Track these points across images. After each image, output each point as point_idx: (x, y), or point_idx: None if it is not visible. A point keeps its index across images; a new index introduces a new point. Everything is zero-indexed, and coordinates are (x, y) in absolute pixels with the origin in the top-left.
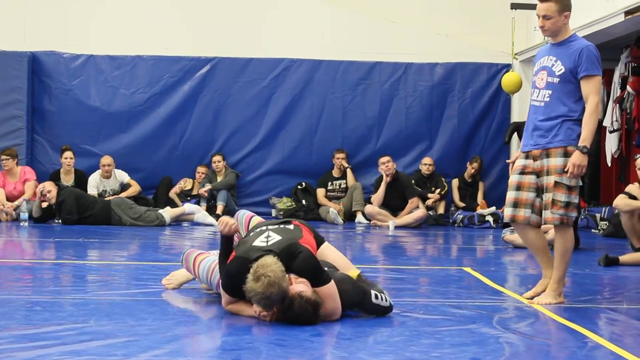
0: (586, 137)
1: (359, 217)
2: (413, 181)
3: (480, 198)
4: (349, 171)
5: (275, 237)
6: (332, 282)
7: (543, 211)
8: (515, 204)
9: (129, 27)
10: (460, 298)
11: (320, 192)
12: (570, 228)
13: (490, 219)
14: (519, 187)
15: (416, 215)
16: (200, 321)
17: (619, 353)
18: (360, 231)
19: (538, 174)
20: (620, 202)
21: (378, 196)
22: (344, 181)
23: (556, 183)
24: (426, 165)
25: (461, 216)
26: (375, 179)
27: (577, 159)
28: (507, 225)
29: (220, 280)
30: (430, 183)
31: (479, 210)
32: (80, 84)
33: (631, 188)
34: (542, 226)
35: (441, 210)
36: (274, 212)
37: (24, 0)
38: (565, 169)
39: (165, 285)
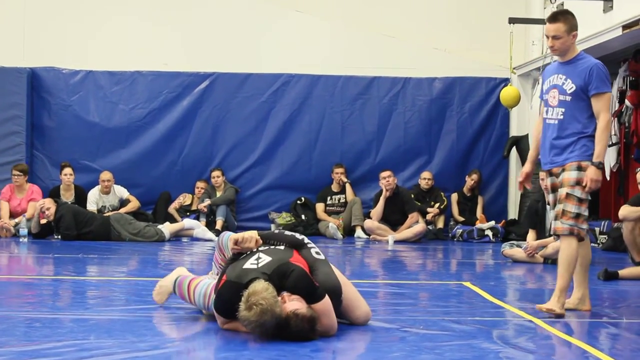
0: (600, 153)
1: (359, 232)
2: (412, 196)
3: (479, 212)
4: (348, 186)
5: (265, 259)
6: (327, 298)
7: (553, 221)
8: None
9: (128, 43)
10: (460, 313)
11: (320, 207)
12: (576, 239)
13: (489, 233)
14: (556, 205)
15: (415, 229)
16: (199, 337)
17: None
18: (359, 246)
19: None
20: (626, 210)
21: (377, 211)
22: (343, 196)
23: (568, 195)
24: (425, 179)
25: (460, 230)
26: (374, 194)
27: (593, 173)
28: (506, 239)
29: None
30: (429, 197)
31: (478, 225)
32: (79, 99)
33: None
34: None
35: (440, 224)
36: (273, 227)
37: (24, 16)
38: (583, 184)
39: (155, 300)
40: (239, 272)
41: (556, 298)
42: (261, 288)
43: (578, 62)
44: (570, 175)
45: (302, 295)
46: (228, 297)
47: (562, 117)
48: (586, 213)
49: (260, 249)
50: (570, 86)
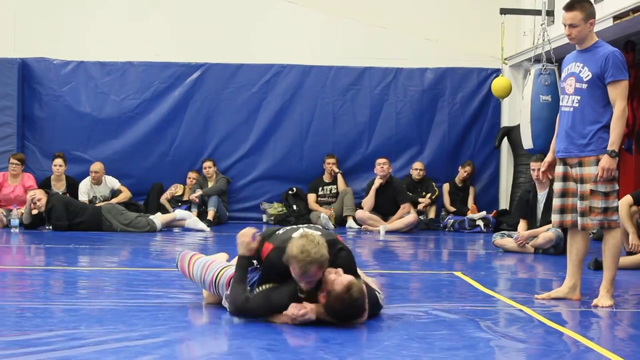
0: (614, 140)
1: (350, 222)
2: (404, 186)
3: (470, 202)
4: (339, 176)
5: (314, 232)
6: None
7: (580, 217)
8: (563, 210)
9: (119, 34)
10: (451, 302)
11: (311, 198)
12: (618, 228)
13: (480, 223)
14: (564, 194)
15: (407, 220)
16: (191, 327)
17: (609, 357)
18: (351, 236)
19: (576, 180)
20: (622, 211)
21: (368, 201)
22: (335, 186)
23: (592, 191)
24: (417, 170)
25: (452, 221)
26: (367, 184)
27: (606, 162)
28: (497, 229)
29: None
30: (420, 188)
31: (470, 215)
32: (70, 90)
33: None
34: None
35: (432, 214)
36: (264, 218)
37: (14, 7)
38: (596, 174)
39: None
40: (286, 239)
41: (606, 290)
42: (317, 234)
43: (596, 49)
44: (590, 170)
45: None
46: (277, 261)
47: (577, 104)
48: (615, 204)
49: (301, 225)
50: (586, 74)
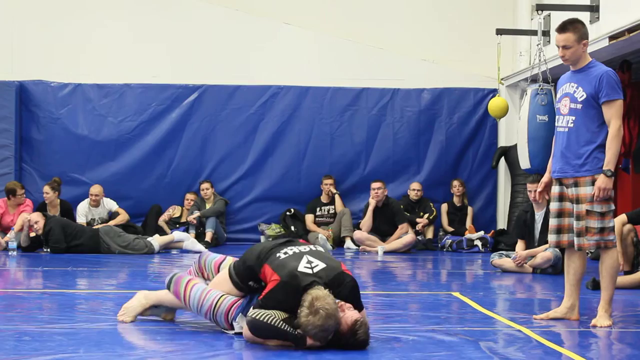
0: (610, 160)
1: (348, 243)
2: (402, 206)
3: (468, 222)
4: (337, 197)
5: (318, 264)
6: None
7: (576, 238)
8: (559, 230)
9: (116, 56)
10: (450, 323)
11: (309, 218)
12: (614, 248)
13: (478, 243)
14: (560, 214)
15: (405, 240)
16: (190, 349)
17: None
18: (349, 257)
19: (572, 200)
20: (617, 226)
21: (366, 222)
22: (333, 207)
23: (588, 211)
24: (414, 190)
25: (450, 241)
26: (364, 204)
27: (603, 182)
28: (495, 249)
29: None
30: (418, 208)
31: (468, 235)
32: (68, 112)
33: None
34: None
35: (430, 235)
36: (262, 239)
37: (11, 30)
38: (592, 193)
39: (120, 319)
40: (293, 274)
41: (604, 310)
42: (324, 294)
43: (589, 69)
44: (586, 191)
45: (352, 304)
46: (284, 298)
47: (572, 125)
48: (611, 224)
49: (303, 249)
50: (581, 94)
